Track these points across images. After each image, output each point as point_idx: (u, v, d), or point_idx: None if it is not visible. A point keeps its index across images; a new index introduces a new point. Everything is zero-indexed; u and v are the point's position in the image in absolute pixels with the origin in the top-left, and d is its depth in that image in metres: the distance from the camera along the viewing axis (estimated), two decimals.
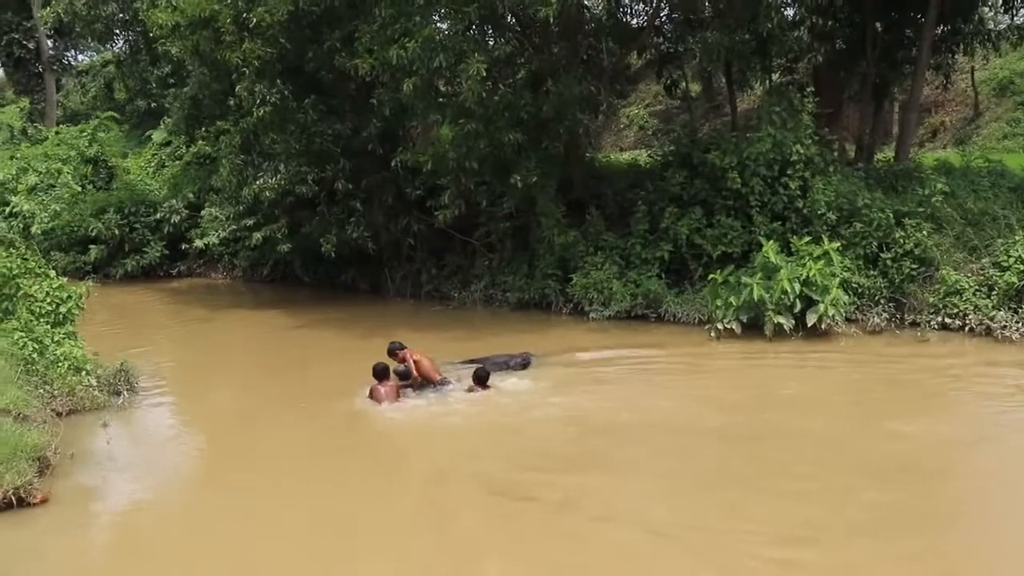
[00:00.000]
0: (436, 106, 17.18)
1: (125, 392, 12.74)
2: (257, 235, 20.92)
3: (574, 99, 16.87)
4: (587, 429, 10.99)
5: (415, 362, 12.58)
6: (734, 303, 15.04)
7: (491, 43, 18.18)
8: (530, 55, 18.01)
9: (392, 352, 12.66)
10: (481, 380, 12.39)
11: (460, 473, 9.85)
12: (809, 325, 14.62)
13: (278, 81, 18.11)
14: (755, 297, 14.76)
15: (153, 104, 35.86)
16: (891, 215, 15.64)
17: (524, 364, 13.65)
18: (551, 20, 15.43)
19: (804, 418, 11.29)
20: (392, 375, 12.38)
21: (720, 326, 15.13)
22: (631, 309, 16.77)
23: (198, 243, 24.45)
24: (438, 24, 16.40)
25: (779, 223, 16.31)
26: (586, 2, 19.70)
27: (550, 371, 13.53)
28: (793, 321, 14.68)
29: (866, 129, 20.48)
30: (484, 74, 15.25)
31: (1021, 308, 14.33)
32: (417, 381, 12.56)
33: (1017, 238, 14.99)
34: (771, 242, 15.40)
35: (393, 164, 17.92)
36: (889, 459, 9.69)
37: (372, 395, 12.13)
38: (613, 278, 17.03)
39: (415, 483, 9.83)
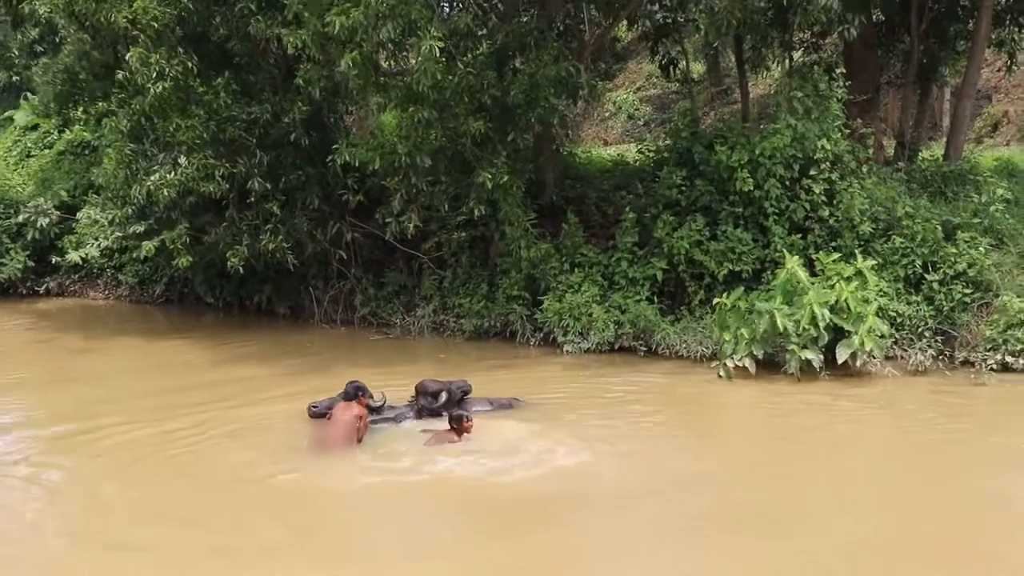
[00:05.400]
0: (378, 87, 17.14)
1: None
2: (149, 244, 19.99)
3: (547, 80, 16.98)
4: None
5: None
6: (747, 335, 15.10)
7: (447, 9, 18.23)
8: (494, 25, 18.11)
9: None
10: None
11: None
12: (840, 362, 14.64)
13: (179, 50, 17.90)
14: (778, 328, 14.74)
15: (15, 77, 35.64)
16: (939, 227, 15.81)
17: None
18: None
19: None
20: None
21: (730, 363, 15.16)
22: (615, 341, 16.94)
23: (72, 256, 24.20)
24: None
25: (799, 236, 16.57)
26: None
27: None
28: (821, 357, 14.70)
29: (909, 120, 20.75)
30: (438, 54, 15.25)
31: None
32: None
33: None
34: (795, 257, 15.47)
35: (329, 162, 17.78)
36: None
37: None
38: (593, 302, 17.18)
39: None
